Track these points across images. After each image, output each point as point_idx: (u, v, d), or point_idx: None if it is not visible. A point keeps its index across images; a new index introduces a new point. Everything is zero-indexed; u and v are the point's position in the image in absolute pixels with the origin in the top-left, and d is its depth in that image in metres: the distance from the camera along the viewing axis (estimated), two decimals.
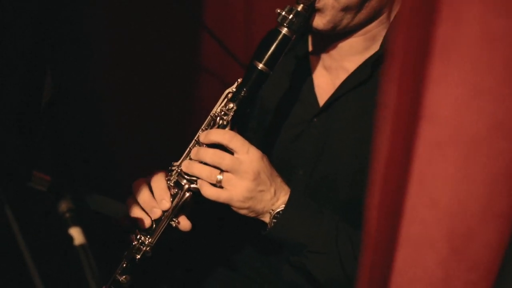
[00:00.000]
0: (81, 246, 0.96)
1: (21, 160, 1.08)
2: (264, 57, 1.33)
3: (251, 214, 1.36)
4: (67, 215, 1.01)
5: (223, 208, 1.56)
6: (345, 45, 1.48)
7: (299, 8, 1.32)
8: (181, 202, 1.36)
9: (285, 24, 1.32)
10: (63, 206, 1.03)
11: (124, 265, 1.40)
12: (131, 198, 1.39)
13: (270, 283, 1.68)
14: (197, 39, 2.34)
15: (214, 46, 2.31)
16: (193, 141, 1.40)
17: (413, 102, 0.71)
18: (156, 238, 1.37)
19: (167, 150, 2.41)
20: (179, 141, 2.43)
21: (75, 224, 1.00)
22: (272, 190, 1.34)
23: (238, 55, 2.33)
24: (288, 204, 1.36)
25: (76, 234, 0.98)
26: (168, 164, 2.38)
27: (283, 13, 1.33)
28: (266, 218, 1.37)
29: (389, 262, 0.87)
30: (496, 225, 0.76)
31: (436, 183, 0.77)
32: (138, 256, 1.38)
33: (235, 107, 1.35)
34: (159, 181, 1.38)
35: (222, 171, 1.32)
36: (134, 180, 1.44)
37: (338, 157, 1.50)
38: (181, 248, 1.75)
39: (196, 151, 1.36)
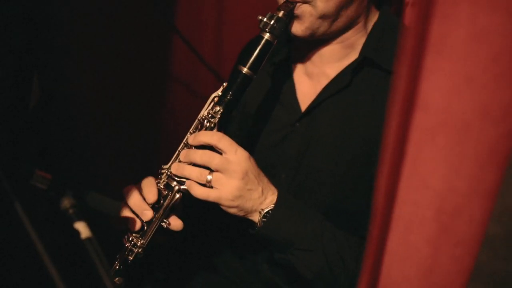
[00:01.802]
0: (88, 239, 1.00)
1: (23, 158, 1.11)
2: (248, 62, 1.40)
3: (240, 213, 1.40)
4: (71, 211, 1.05)
5: (205, 212, 1.61)
6: (325, 52, 1.56)
7: (280, 14, 1.40)
8: (171, 203, 1.40)
9: (267, 30, 1.40)
10: (66, 202, 1.06)
11: (117, 267, 1.43)
12: (123, 203, 1.42)
13: (248, 283, 1.72)
14: (169, 46, 2.37)
15: (185, 53, 2.35)
16: (182, 144, 1.44)
17: (409, 92, 0.79)
18: (148, 240, 1.41)
19: (144, 152, 2.45)
20: (155, 144, 2.49)
21: (80, 219, 1.03)
22: (260, 189, 1.39)
23: (209, 62, 2.38)
24: (277, 203, 1.41)
25: (82, 228, 1.01)
26: (145, 165, 2.41)
27: (265, 19, 1.41)
28: (255, 217, 1.42)
29: (383, 242, 0.95)
30: (481, 203, 0.85)
31: (427, 166, 0.85)
32: (131, 258, 1.41)
33: (221, 110, 1.40)
34: (149, 185, 1.42)
35: (211, 171, 1.37)
36: (115, 178, 1.47)
37: (319, 161, 1.56)
38: (162, 251, 1.78)
39: (185, 153, 1.40)
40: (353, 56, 1.56)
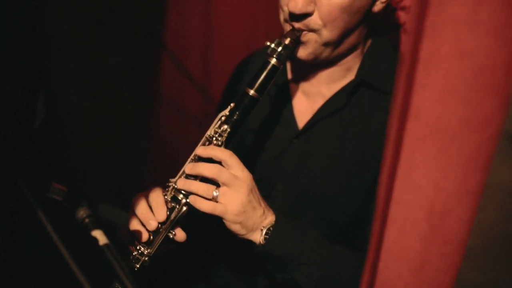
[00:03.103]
0: (106, 245, 1.07)
1: (40, 172, 1.18)
2: (255, 85, 1.48)
3: (242, 231, 1.46)
4: (87, 220, 1.13)
5: (206, 227, 1.68)
6: (323, 74, 1.65)
7: (287, 41, 1.48)
8: (178, 216, 1.47)
9: (274, 56, 1.48)
10: (82, 212, 1.14)
11: None
12: (131, 212, 1.48)
13: None
14: (158, 66, 2.44)
15: (173, 73, 2.42)
16: (189, 159, 1.51)
17: (403, 104, 0.90)
18: (155, 249, 1.47)
19: (135, 167, 2.51)
20: (145, 160, 2.54)
21: (96, 227, 1.11)
22: (262, 209, 1.47)
23: (197, 81, 2.45)
24: (277, 221, 1.48)
25: (100, 236, 1.09)
26: (135, 180, 2.46)
27: (272, 45, 1.49)
28: (257, 235, 1.47)
29: (380, 243, 1.04)
30: (468, 202, 0.95)
31: (419, 170, 0.95)
32: (137, 266, 1.47)
33: (229, 129, 1.48)
34: (156, 196, 1.47)
35: (217, 187, 1.43)
36: (106, 193, 1.52)
37: (316, 176, 1.65)
38: (160, 265, 1.84)
39: (192, 166, 1.46)
40: (349, 77, 1.65)
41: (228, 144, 1.49)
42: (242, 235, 1.47)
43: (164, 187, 1.51)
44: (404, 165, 0.94)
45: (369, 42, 1.66)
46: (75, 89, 2.24)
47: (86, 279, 0.95)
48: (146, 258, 1.47)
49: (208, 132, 1.50)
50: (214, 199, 1.43)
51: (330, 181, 1.64)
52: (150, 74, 2.45)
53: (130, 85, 2.38)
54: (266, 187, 1.54)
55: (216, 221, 1.47)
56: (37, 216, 1.03)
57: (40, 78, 1.59)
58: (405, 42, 0.89)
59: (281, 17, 1.58)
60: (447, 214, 0.97)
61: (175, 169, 1.57)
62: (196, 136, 2.41)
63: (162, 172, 2.54)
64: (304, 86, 1.71)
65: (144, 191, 1.52)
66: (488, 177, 0.96)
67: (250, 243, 1.49)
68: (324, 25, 1.48)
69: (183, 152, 2.27)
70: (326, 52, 1.55)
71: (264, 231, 1.46)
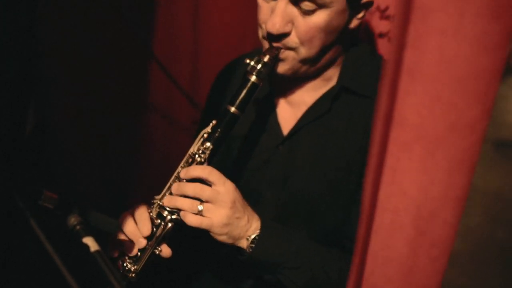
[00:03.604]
0: (97, 252, 1.08)
1: (31, 180, 1.19)
2: (235, 102, 1.51)
3: (229, 241, 1.50)
4: (78, 227, 1.14)
5: (192, 241, 1.70)
6: (304, 84, 1.69)
7: (266, 59, 1.51)
8: (164, 232, 1.50)
9: (254, 73, 1.51)
10: (73, 219, 1.15)
11: None
12: (118, 230, 1.50)
13: None
14: (146, 73, 2.45)
15: (162, 81, 2.43)
16: (173, 177, 1.54)
17: (388, 111, 0.92)
18: (142, 265, 1.49)
19: (124, 176, 2.51)
20: (134, 170, 2.55)
21: (87, 234, 1.12)
22: (246, 217, 1.50)
23: (185, 90, 2.47)
24: (262, 228, 1.52)
25: (90, 242, 1.10)
26: (124, 190, 2.46)
27: (252, 63, 1.52)
28: (243, 244, 1.51)
29: (365, 248, 1.06)
30: (453, 207, 0.97)
31: (404, 176, 0.97)
32: (124, 283, 1.49)
33: (211, 146, 1.51)
34: (142, 214, 1.50)
35: (202, 202, 1.47)
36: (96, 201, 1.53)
37: (302, 181, 1.68)
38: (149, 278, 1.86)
39: (177, 186, 1.50)
40: (331, 84, 1.69)
41: (211, 160, 1.53)
42: (230, 243, 1.51)
43: (149, 204, 1.54)
44: (389, 170, 0.96)
45: (348, 51, 1.69)
46: (63, 97, 2.24)
47: (78, 286, 0.96)
48: (133, 275, 1.49)
49: (191, 150, 1.54)
50: (199, 213, 1.47)
51: (315, 186, 1.67)
52: (139, 82, 2.46)
53: (119, 92, 2.38)
54: (254, 195, 1.57)
55: (202, 233, 1.50)
56: (29, 224, 1.04)
57: (31, 85, 1.60)
58: (389, 50, 0.90)
59: (260, 34, 1.61)
60: (433, 218, 0.99)
61: (164, 176, 1.59)
62: (184, 143, 2.43)
63: (151, 178, 2.55)
64: (287, 95, 1.75)
65: (136, 197, 1.54)
66: (473, 183, 0.99)
67: (239, 248, 1.53)
68: (302, 43, 1.52)
69: (172, 159, 2.28)
70: (304, 68, 1.59)
71: (250, 239, 1.51)
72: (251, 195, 1.58)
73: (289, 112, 1.75)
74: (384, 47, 1.89)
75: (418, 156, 0.95)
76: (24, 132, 1.40)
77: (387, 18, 1.84)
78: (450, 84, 0.89)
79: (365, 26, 1.94)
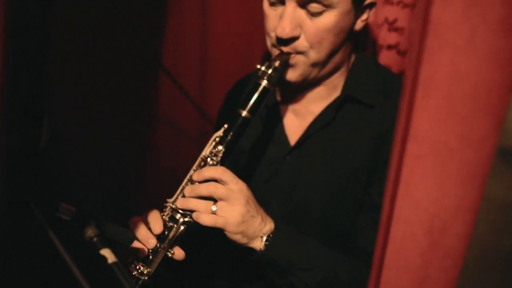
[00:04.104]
0: (115, 263, 1.10)
1: (49, 192, 1.21)
2: (247, 106, 1.54)
3: (244, 240, 1.51)
4: (95, 239, 1.15)
5: (204, 244, 1.71)
6: (311, 93, 1.73)
7: (276, 64, 1.55)
8: (177, 235, 1.52)
9: (265, 78, 1.54)
10: (90, 231, 1.17)
11: None
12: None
13: None
14: (154, 83, 2.47)
15: (171, 92, 2.45)
16: (186, 180, 1.56)
17: (404, 124, 0.94)
18: (154, 268, 1.51)
19: (131, 186, 2.53)
20: (141, 179, 2.56)
21: (104, 246, 1.14)
22: (260, 217, 1.52)
23: (194, 100, 2.48)
24: (276, 228, 1.54)
25: (108, 254, 1.12)
26: (132, 199, 2.47)
27: (263, 68, 1.55)
28: (257, 243, 1.52)
29: (382, 258, 1.08)
30: (465, 219, 0.99)
31: (418, 188, 0.99)
32: (138, 285, 1.50)
33: (223, 149, 1.53)
34: (154, 217, 1.52)
35: (215, 202, 1.49)
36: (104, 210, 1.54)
37: (309, 191, 1.71)
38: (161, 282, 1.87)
39: (190, 189, 1.52)
40: (335, 94, 1.72)
41: (223, 163, 1.55)
42: (244, 243, 1.52)
43: (161, 208, 1.56)
44: (404, 183, 0.98)
45: (352, 59, 1.74)
46: (72, 107, 2.26)
47: None
48: (146, 278, 1.51)
49: (203, 153, 1.56)
50: (213, 213, 1.49)
51: (322, 195, 1.70)
52: (148, 93, 2.48)
53: (127, 103, 2.40)
54: (261, 205, 1.59)
55: (215, 236, 1.52)
56: (48, 236, 1.06)
57: (44, 100, 1.62)
58: (406, 67, 0.93)
59: (268, 43, 1.65)
60: (446, 230, 1.01)
61: (171, 186, 1.60)
62: (192, 153, 2.44)
63: (159, 189, 2.55)
64: (293, 106, 1.78)
65: (143, 208, 1.56)
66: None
67: (250, 250, 1.55)
68: (311, 46, 1.56)
69: (180, 170, 2.29)
70: (314, 73, 1.63)
71: (264, 238, 1.52)
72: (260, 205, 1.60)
73: (295, 123, 1.78)
74: (392, 59, 1.91)
75: (431, 168, 0.97)
76: (39, 144, 1.41)
77: (395, 30, 1.86)
78: (463, 98, 0.91)
79: (373, 38, 1.96)
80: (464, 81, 0.90)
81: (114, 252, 1.15)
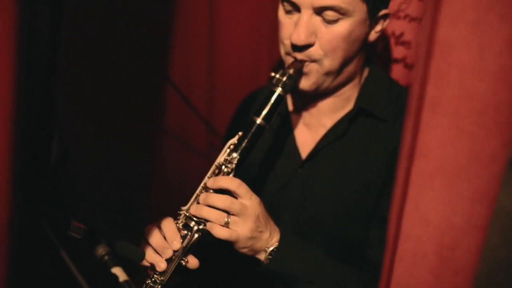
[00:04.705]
0: (126, 282, 1.11)
1: (60, 210, 1.22)
2: (262, 113, 1.54)
3: (250, 253, 1.53)
4: (106, 257, 1.16)
5: (214, 253, 1.72)
6: (323, 105, 1.73)
7: (291, 71, 1.55)
8: (191, 243, 1.51)
9: (279, 85, 1.54)
10: (101, 250, 1.17)
11: None
12: (144, 241, 1.53)
13: None
14: (162, 97, 2.49)
15: (178, 105, 2.46)
16: (200, 187, 1.56)
17: (411, 143, 0.94)
18: (168, 277, 1.51)
19: (140, 200, 2.53)
20: (149, 193, 2.57)
21: (116, 264, 1.15)
22: (268, 231, 1.53)
23: (201, 111, 2.49)
24: (280, 241, 1.54)
25: (119, 272, 1.12)
26: (139, 213, 2.48)
27: (277, 76, 1.55)
28: (262, 256, 1.54)
29: (390, 275, 1.08)
30: (476, 235, 0.99)
31: (427, 206, 0.99)
32: None
33: (238, 157, 1.53)
34: (168, 224, 1.52)
35: (228, 214, 1.49)
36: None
37: (321, 203, 1.72)
38: None
39: (205, 197, 1.52)
40: (348, 107, 1.72)
41: (237, 171, 1.55)
42: (250, 255, 1.54)
43: (175, 216, 1.56)
44: (412, 200, 0.98)
45: (365, 73, 1.75)
46: (81, 124, 2.27)
47: None
48: (159, 286, 1.51)
49: (218, 160, 1.56)
50: (226, 225, 1.49)
51: (334, 207, 1.70)
52: (155, 107, 2.49)
53: (135, 117, 2.41)
54: (274, 216, 1.59)
55: (225, 243, 1.52)
56: (60, 254, 1.07)
57: (54, 117, 1.64)
58: (411, 85, 0.93)
59: (282, 51, 1.65)
60: (456, 247, 1.01)
61: (179, 200, 1.61)
62: (200, 167, 2.45)
63: (166, 203, 2.56)
64: (305, 117, 1.78)
65: (151, 223, 1.56)
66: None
67: (258, 260, 1.56)
68: (325, 54, 1.57)
69: (188, 183, 2.30)
70: (327, 82, 1.63)
71: (268, 251, 1.53)
72: (271, 216, 1.60)
73: (307, 135, 1.78)
74: (399, 73, 1.92)
75: (440, 186, 0.97)
76: (49, 161, 1.42)
77: (402, 44, 1.87)
78: (471, 116, 0.91)
79: (380, 51, 1.97)
80: (472, 100, 0.90)
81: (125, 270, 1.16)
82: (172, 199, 2.48)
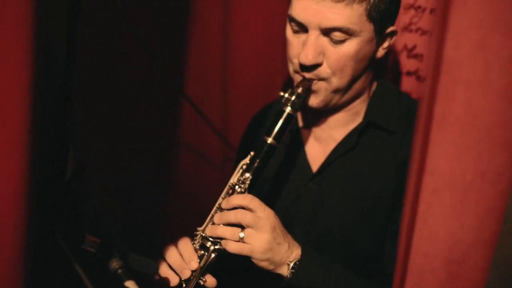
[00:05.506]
0: None
1: (75, 224, 1.24)
2: (272, 133, 1.56)
3: (270, 267, 1.53)
4: (120, 271, 1.18)
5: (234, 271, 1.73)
6: (333, 119, 1.74)
7: (299, 90, 1.57)
8: (208, 262, 1.53)
9: (288, 104, 1.57)
10: (115, 263, 1.19)
11: None
12: (162, 261, 1.54)
13: None
14: (176, 111, 2.51)
15: (192, 117, 2.47)
16: (215, 208, 1.58)
17: (420, 159, 0.95)
18: None
19: (153, 215, 2.54)
20: (163, 208, 2.58)
21: (129, 277, 1.17)
22: (287, 244, 1.54)
23: (216, 125, 2.51)
24: (302, 255, 1.55)
25: (132, 286, 1.14)
26: (153, 228, 2.49)
27: (286, 95, 1.58)
28: (284, 270, 1.54)
29: None
30: (483, 251, 1.00)
31: (436, 221, 1.00)
32: None
33: (250, 176, 1.56)
34: (186, 245, 1.54)
35: (243, 229, 1.51)
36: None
37: (332, 216, 1.72)
38: None
39: (219, 216, 1.55)
40: (357, 120, 1.74)
41: (250, 190, 1.57)
42: (271, 269, 1.54)
43: (192, 236, 1.58)
44: (421, 216, 0.99)
45: (374, 86, 1.76)
46: (96, 138, 2.29)
47: None
48: None
49: (231, 181, 1.59)
50: (241, 240, 1.50)
51: (345, 221, 1.71)
52: (170, 121, 2.51)
53: (151, 131, 2.43)
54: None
55: (245, 263, 1.53)
56: (74, 268, 1.09)
57: (70, 132, 1.66)
58: (421, 102, 0.95)
59: (291, 69, 1.68)
60: (465, 262, 1.01)
61: (195, 213, 1.63)
62: (215, 180, 2.46)
63: (182, 216, 2.57)
64: (315, 132, 1.80)
65: (166, 236, 1.58)
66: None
67: (279, 276, 1.56)
68: (333, 73, 1.58)
69: (203, 196, 2.31)
70: (336, 99, 1.65)
71: (291, 265, 1.54)
72: None
73: (317, 149, 1.79)
74: (412, 85, 1.93)
75: (448, 202, 0.98)
76: (65, 175, 1.45)
77: (414, 57, 1.88)
78: (478, 133, 0.92)
79: (392, 64, 1.98)
80: (478, 117, 0.91)
81: (138, 284, 1.17)
82: (188, 211, 2.50)
